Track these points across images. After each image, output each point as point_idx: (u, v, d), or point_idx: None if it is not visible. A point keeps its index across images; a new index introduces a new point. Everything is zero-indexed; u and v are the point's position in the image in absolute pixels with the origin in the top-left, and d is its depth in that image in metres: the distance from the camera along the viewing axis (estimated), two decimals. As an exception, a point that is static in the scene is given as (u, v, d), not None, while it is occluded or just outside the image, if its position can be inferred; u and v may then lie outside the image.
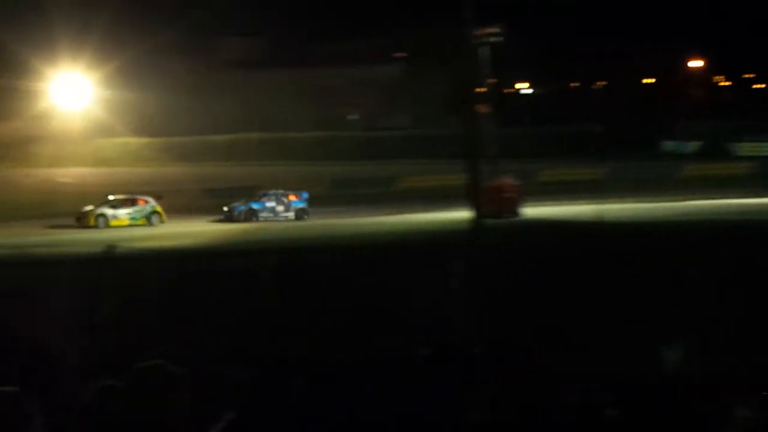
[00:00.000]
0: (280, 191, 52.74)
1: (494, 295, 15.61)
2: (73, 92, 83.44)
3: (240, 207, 51.22)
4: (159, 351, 5.87)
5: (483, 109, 41.42)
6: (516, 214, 47.27)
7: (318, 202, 53.29)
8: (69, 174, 71.30)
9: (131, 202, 50.44)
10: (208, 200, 56.40)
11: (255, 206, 51.28)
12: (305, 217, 51.21)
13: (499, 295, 15.76)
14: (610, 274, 21.12)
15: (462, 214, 32.56)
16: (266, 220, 50.45)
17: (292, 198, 52.32)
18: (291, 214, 51.41)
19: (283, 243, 37.62)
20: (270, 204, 51.59)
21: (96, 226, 48.17)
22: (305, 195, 52.65)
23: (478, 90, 39.69)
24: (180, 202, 54.13)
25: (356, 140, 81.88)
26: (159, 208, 50.44)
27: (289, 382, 5.28)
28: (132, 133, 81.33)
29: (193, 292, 21.08)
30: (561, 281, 20.30)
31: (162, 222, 49.64)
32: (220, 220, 50.20)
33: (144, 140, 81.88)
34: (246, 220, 50.21)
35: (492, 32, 51.13)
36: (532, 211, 47.90)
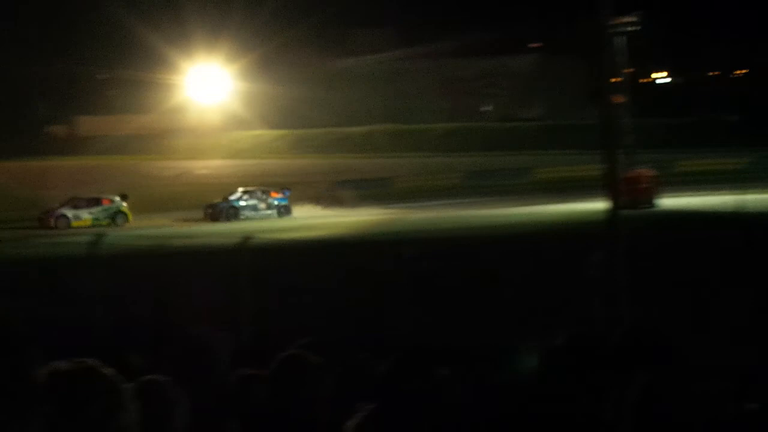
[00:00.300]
0: (262, 188, 52.48)
1: (634, 284, 15.41)
2: (209, 85, 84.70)
3: (223, 204, 50.84)
4: (299, 341, 5.89)
5: (619, 99, 40.90)
6: (652, 204, 46.62)
7: (450, 193, 53.19)
8: (205, 166, 72.37)
9: (95, 202, 49.39)
10: (334, 192, 56.64)
11: (236, 204, 51.14)
12: (287, 214, 50.66)
13: (638, 284, 15.54)
14: (751, 264, 20.64)
15: (598, 205, 32.24)
16: (246, 218, 49.94)
17: (275, 195, 52.00)
18: (272, 212, 50.99)
19: (419, 234, 37.61)
20: (251, 202, 51.34)
21: (56, 228, 46.39)
22: (287, 192, 52.10)
23: (614, 80, 39.19)
24: (310, 194, 54.55)
25: (489, 131, 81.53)
26: (125, 208, 49.24)
27: (431, 370, 5.21)
28: (266, 125, 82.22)
29: (332, 281, 21.17)
30: (700, 271, 19.92)
31: (127, 222, 48.07)
32: (204, 218, 49.28)
33: (277, 132, 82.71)
34: (228, 218, 49.39)
35: (629, 21, 50.39)
36: (669, 201, 47.15)
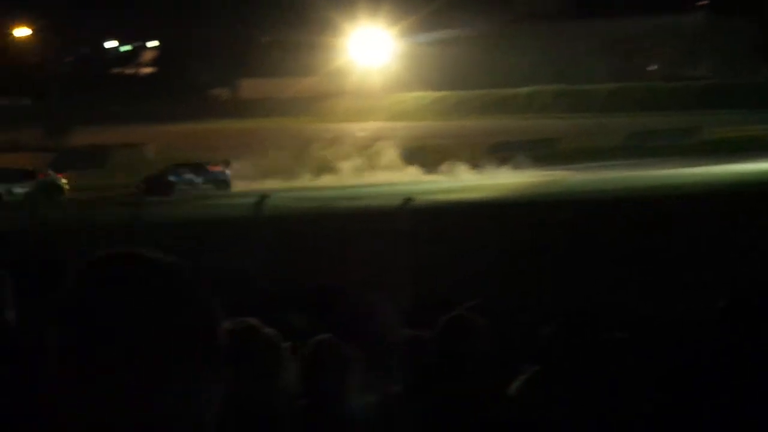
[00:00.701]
0: (199, 162, 51.82)
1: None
2: (371, 47, 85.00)
3: (157, 179, 49.92)
4: (466, 303, 5.87)
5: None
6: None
7: (614, 155, 52.42)
8: (364, 128, 72.77)
9: (28, 175, 48.02)
10: (494, 154, 56.36)
11: (172, 178, 50.52)
12: (226, 188, 49.47)
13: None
14: None
15: None
16: (183, 192, 48.68)
17: (214, 169, 51.30)
18: (209, 186, 50.26)
19: (580, 195, 37.19)
20: (187, 176, 50.74)
21: None
22: (225, 167, 51.43)
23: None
24: (472, 156, 54.42)
25: (655, 91, 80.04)
26: (62, 183, 47.84)
27: (596, 334, 5.10)
28: (427, 87, 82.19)
29: (493, 243, 21.08)
30: None
31: (63, 197, 45.33)
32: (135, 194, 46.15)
33: (439, 94, 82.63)
34: (162, 193, 47.02)
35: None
36: None
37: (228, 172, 51.75)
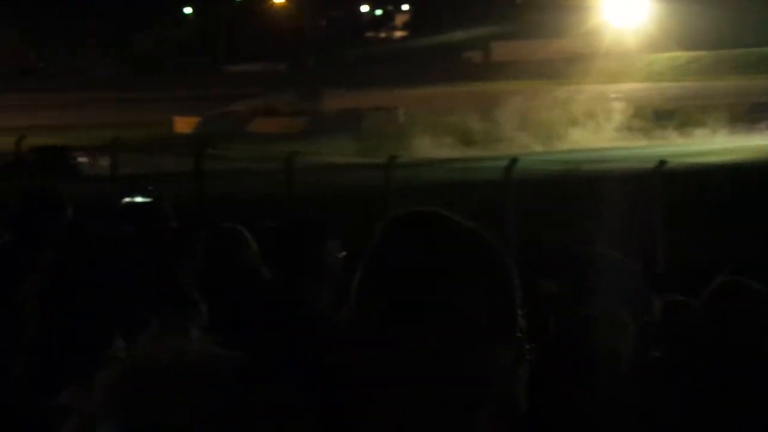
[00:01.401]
0: None
1: None
2: (625, 7, 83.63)
3: None
4: (731, 266, 5.73)
5: None
6: None
7: None
8: (618, 90, 71.65)
9: None
10: (751, 116, 54.59)
11: None
12: None
13: None
14: None
15: None
16: None
17: None
18: None
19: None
20: None
21: None
22: None
23: None
24: (727, 118, 52.93)
25: None
26: None
27: None
28: (683, 47, 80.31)
29: (747, 209, 20.55)
30: None
31: None
32: None
33: (695, 54, 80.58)
34: None
35: None
36: None
37: None
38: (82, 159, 28.70)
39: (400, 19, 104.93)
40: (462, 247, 1.81)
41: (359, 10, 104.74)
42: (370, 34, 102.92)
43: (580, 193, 22.80)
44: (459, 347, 1.75)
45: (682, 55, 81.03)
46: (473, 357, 1.76)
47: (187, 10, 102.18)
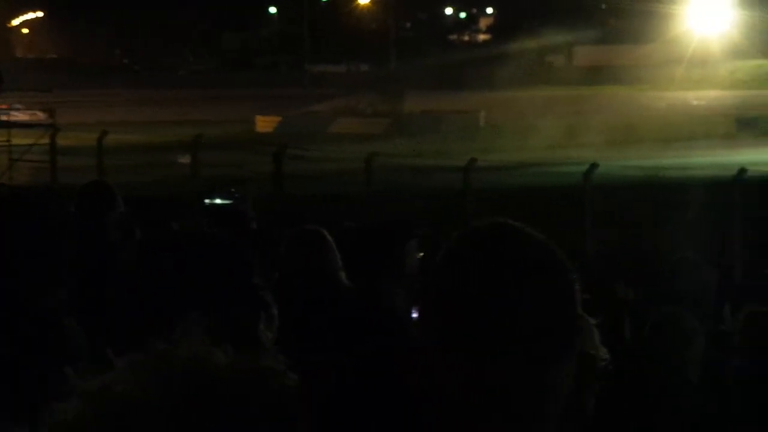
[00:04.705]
0: None
1: None
2: (709, 14, 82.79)
3: None
4: None
5: None
6: None
7: None
8: (701, 97, 70.98)
9: None
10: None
11: None
12: None
13: None
14: None
15: None
16: None
17: None
18: None
19: None
20: None
21: None
22: None
23: None
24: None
25: None
26: None
27: None
28: (766, 56, 79.38)
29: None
30: None
31: None
32: None
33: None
34: None
35: None
36: None
37: None
38: (183, 160, 29.02)
39: (484, 23, 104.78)
40: (525, 263, 1.80)
41: (444, 12, 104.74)
42: (453, 36, 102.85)
43: (659, 199, 22.73)
44: (520, 363, 1.77)
45: (765, 64, 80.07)
46: (534, 372, 1.78)
47: (272, 10, 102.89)
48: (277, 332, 3.01)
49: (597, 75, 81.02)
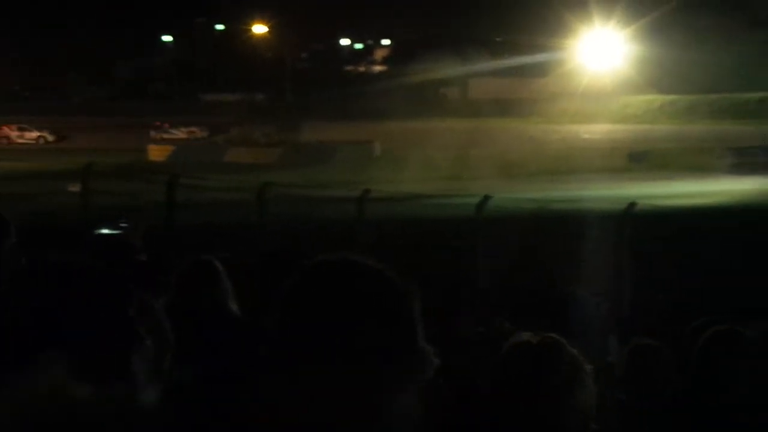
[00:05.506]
0: None
1: None
2: (600, 49, 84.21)
3: None
4: (707, 315, 5.70)
5: None
6: None
7: None
8: (593, 131, 72.09)
9: None
10: (723, 160, 54.99)
11: None
12: None
13: None
14: None
15: None
16: None
17: None
18: None
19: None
20: None
21: None
22: None
23: None
24: (698, 162, 53.35)
25: None
26: None
27: None
28: (658, 90, 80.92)
29: (716, 252, 20.72)
30: None
31: None
32: None
33: (668, 97, 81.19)
34: None
35: None
36: None
37: None
38: (73, 188, 28.59)
39: (379, 54, 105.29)
40: (362, 297, 1.91)
41: (340, 43, 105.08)
42: (349, 67, 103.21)
43: (550, 232, 22.94)
44: (359, 385, 1.87)
45: (657, 98, 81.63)
46: (372, 394, 1.87)
47: (167, 38, 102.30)
48: (153, 363, 2.97)
49: (491, 107, 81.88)
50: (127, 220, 14.62)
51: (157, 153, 62.07)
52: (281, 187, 26.47)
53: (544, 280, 14.98)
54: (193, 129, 68.34)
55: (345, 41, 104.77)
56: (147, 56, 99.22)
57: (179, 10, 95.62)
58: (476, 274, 18.34)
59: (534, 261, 19.14)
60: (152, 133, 68.89)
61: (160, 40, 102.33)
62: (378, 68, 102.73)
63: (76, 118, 73.73)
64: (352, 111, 78.10)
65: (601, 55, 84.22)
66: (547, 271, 16.67)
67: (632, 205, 19.50)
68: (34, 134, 58.34)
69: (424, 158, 54.02)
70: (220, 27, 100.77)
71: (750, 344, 4.80)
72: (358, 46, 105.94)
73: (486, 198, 20.04)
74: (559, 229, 22.30)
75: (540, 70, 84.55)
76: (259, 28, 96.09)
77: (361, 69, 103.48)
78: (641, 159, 55.17)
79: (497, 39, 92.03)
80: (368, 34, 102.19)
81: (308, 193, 33.95)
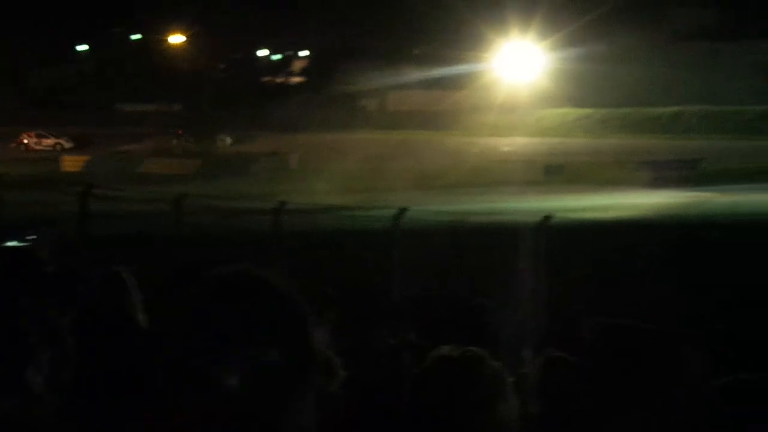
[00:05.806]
0: None
1: None
2: (518, 62, 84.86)
3: None
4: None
5: None
6: None
7: (760, 177, 51.39)
8: (510, 143, 72.63)
9: None
10: (637, 173, 55.69)
11: None
12: None
13: None
14: None
15: None
16: None
17: None
18: None
19: (725, 218, 36.60)
20: None
21: None
22: None
23: None
24: (612, 175, 53.95)
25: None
26: None
27: None
28: (574, 104, 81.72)
29: (628, 264, 20.93)
30: None
31: None
32: None
33: (584, 111, 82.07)
34: None
35: None
36: None
37: None
38: None
39: (298, 65, 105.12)
40: (257, 307, 1.94)
41: (257, 54, 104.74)
42: (267, 78, 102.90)
43: (466, 244, 23.04)
44: (254, 392, 1.89)
45: (572, 111, 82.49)
46: (269, 400, 1.90)
47: (82, 47, 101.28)
48: (51, 376, 2.92)
49: (410, 120, 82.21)
50: (36, 232, 14.40)
51: (71, 164, 61.36)
52: (197, 198, 26.34)
53: (459, 292, 15.02)
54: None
55: (263, 52, 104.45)
56: (61, 65, 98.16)
57: (95, 19, 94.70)
58: (391, 286, 18.34)
59: (450, 273, 19.20)
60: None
61: (75, 49, 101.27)
62: (296, 79, 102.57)
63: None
64: (270, 122, 77.93)
65: (519, 68, 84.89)
66: (463, 282, 16.74)
67: (547, 217, 19.64)
68: None
69: (341, 170, 54.01)
70: (136, 37, 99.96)
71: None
72: (276, 57, 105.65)
73: (402, 210, 20.05)
74: (475, 242, 22.41)
75: (459, 83, 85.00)
76: (177, 38, 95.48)
77: (279, 80, 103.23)
78: (557, 172, 55.64)
79: (416, 52, 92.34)
80: (286, 45, 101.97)
81: (225, 204, 33.79)
